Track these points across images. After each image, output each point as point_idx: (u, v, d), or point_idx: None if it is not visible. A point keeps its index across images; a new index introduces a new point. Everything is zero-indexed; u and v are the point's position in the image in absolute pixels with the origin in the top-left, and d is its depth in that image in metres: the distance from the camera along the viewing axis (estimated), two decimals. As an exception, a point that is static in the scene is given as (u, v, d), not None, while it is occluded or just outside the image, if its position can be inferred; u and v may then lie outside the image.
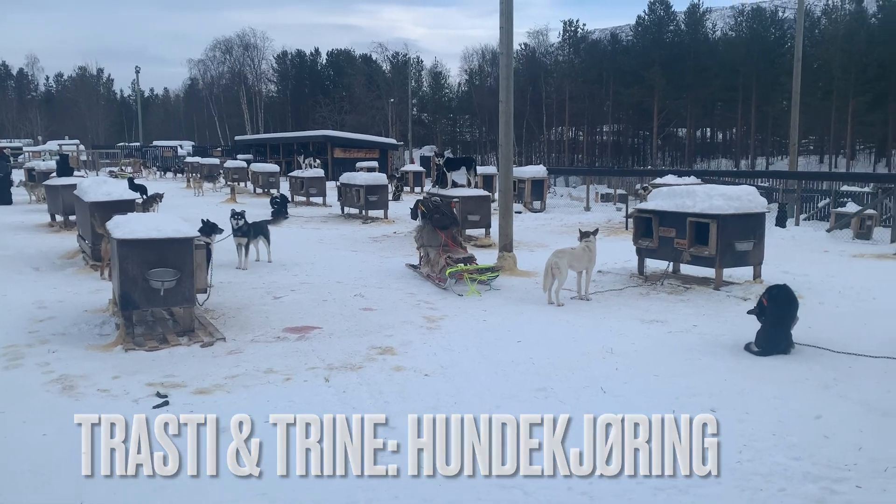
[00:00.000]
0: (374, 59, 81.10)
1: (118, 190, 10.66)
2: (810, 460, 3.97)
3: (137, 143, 62.24)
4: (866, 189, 18.30)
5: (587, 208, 22.27)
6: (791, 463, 3.95)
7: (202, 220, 9.20)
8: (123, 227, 6.56)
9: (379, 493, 3.66)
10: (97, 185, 10.62)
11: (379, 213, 17.91)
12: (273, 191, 24.19)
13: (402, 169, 33.41)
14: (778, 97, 51.95)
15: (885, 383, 5.26)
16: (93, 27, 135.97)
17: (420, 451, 4.12)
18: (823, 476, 3.79)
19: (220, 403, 4.88)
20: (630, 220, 13.48)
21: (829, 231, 15.00)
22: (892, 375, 5.45)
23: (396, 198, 23.86)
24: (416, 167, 32.77)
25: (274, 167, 27.29)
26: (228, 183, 27.95)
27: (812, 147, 56.06)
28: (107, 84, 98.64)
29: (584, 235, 8.35)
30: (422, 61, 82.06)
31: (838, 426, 4.46)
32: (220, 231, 9.42)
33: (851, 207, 15.44)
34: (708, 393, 5.08)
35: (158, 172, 41.34)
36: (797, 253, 12.11)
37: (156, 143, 64.72)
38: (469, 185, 15.42)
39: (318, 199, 22.05)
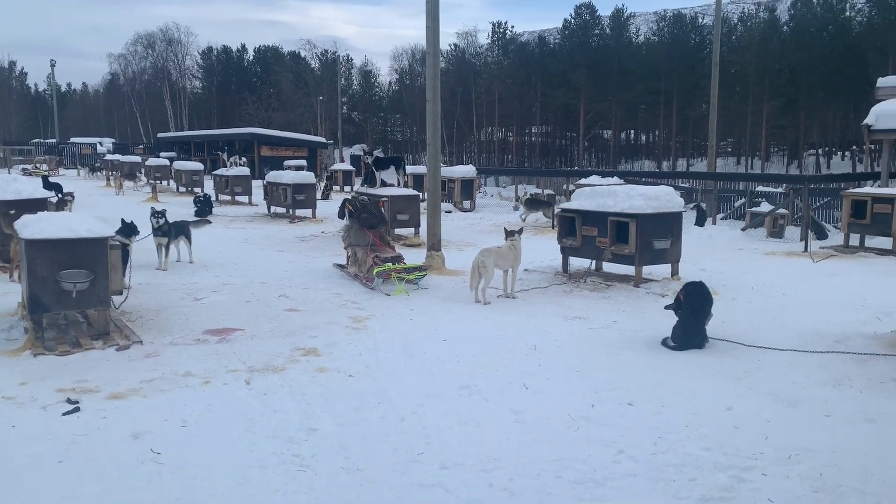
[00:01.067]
0: (302, 56, 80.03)
1: (29, 188, 10.19)
2: (720, 450, 4.12)
3: (54, 140, 59.61)
4: (779, 190, 19.12)
5: (516, 208, 22.52)
6: (702, 453, 4.09)
7: (122, 220, 8.90)
8: (32, 226, 6.27)
9: (299, 497, 3.61)
10: (6, 184, 10.12)
11: (307, 212, 17.69)
12: (197, 190, 23.60)
13: (331, 168, 33.09)
14: (698, 101, 53.61)
15: (792, 375, 5.51)
16: (3, 17, 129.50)
17: (343, 449, 4.12)
18: (732, 465, 3.94)
19: (134, 409, 4.74)
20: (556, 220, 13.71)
21: (743, 230, 15.60)
22: (798, 368, 5.71)
23: (325, 197, 23.62)
24: (346, 166, 32.51)
25: (198, 165, 26.65)
26: (150, 181, 27.13)
27: (730, 149, 58.19)
28: (20, 77, 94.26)
29: (509, 234, 8.46)
30: (352, 59, 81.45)
31: (747, 417, 4.65)
32: (138, 232, 9.13)
33: (765, 207, 16.11)
34: (626, 387, 5.22)
35: (82, 170, 39.67)
36: (713, 251, 12.55)
37: (73, 139, 62.18)
38: (398, 184, 15.39)
39: (244, 199, 21.63)
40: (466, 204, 21.70)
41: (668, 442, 4.25)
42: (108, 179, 30.01)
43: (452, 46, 70.71)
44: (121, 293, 7.18)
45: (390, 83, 78.67)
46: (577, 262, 10.08)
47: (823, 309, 7.74)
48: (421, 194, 15.10)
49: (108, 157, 39.58)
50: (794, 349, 6.17)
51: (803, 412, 4.74)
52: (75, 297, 6.17)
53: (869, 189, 13.81)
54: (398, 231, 13.86)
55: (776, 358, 5.99)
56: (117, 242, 7.19)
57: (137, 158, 35.84)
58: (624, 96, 57.09)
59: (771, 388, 5.22)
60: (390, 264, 8.96)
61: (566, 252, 10.04)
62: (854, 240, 12.87)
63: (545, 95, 62.53)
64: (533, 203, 17.81)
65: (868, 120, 15.92)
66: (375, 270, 8.82)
